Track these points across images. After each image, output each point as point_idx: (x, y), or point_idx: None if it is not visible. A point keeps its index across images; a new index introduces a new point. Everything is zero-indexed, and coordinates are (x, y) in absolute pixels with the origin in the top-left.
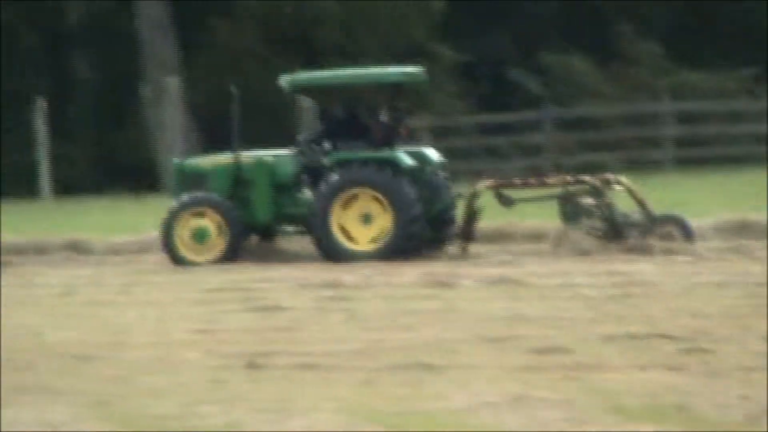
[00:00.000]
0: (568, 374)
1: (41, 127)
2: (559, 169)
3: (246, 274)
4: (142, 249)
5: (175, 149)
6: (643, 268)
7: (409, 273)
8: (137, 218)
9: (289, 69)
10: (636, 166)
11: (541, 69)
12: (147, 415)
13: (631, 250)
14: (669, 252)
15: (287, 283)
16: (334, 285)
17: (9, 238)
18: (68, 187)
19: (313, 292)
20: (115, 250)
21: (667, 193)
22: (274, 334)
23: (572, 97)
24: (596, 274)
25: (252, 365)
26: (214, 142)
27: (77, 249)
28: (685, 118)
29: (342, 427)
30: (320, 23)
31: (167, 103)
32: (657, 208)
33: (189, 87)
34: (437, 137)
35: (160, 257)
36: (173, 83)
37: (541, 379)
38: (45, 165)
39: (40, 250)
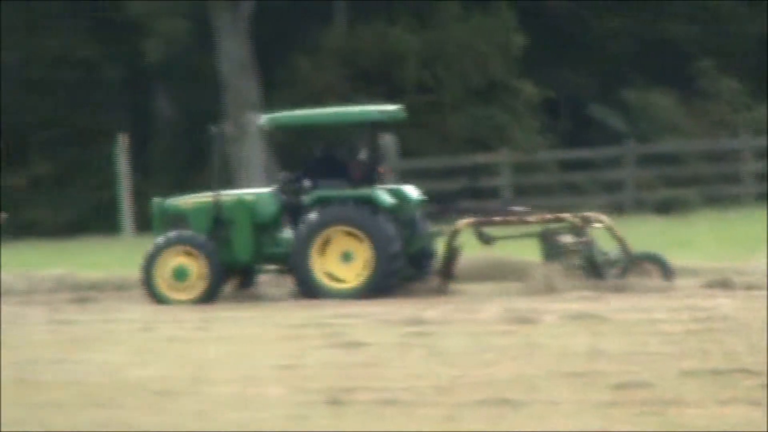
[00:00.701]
0: (648, 409)
1: (123, 164)
2: (639, 205)
3: (328, 310)
4: None
5: (256, 184)
6: (723, 303)
7: (490, 309)
8: None
9: (370, 104)
10: (717, 201)
11: (622, 105)
12: None
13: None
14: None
15: (369, 319)
16: (415, 321)
17: (90, 273)
18: (149, 223)
19: (395, 328)
20: None
21: (748, 227)
22: (356, 370)
23: (653, 133)
24: (677, 310)
25: (334, 401)
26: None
27: None
28: (765, 154)
29: None
30: (400, 59)
31: (248, 140)
32: (739, 243)
33: None
34: (518, 173)
35: (233, 294)
36: (254, 120)
37: (622, 414)
38: (126, 201)
39: (120, 286)
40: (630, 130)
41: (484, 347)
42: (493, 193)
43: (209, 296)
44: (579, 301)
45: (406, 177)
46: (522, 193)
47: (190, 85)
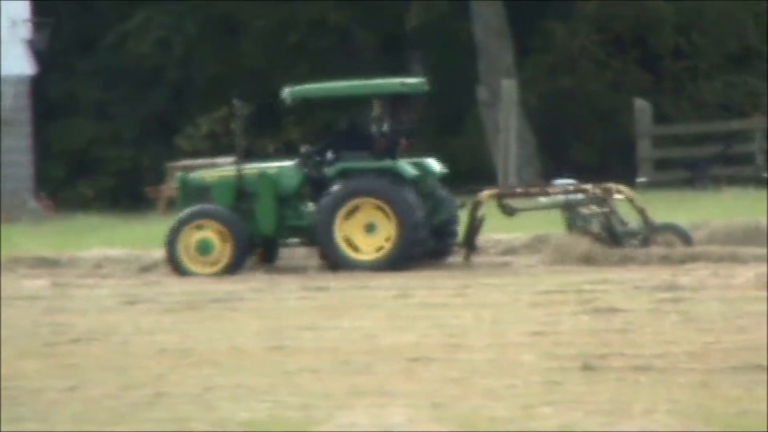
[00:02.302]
0: None
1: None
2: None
3: (581, 276)
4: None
5: (511, 152)
6: None
7: (745, 274)
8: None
9: (625, 71)
10: None
11: None
12: (483, 416)
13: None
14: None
15: (623, 285)
16: (669, 287)
17: None
18: None
19: (648, 294)
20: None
21: None
22: (609, 336)
23: None
24: None
25: (587, 367)
26: (547, 144)
27: None
28: None
29: (677, 428)
30: (655, 25)
31: (503, 106)
32: None
33: (524, 89)
34: None
35: (490, 258)
36: (509, 86)
37: None
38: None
39: None
40: None
41: (738, 313)
42: (746, 159)
43: (233, 269)
44: None
45: (660, 143)
46: None
47: (444, 52)
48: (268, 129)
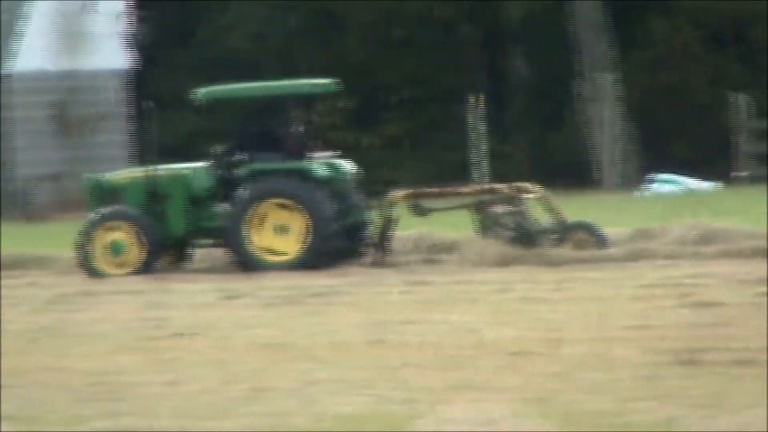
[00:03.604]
0: None
1: (478, 124)
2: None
3: (681, 270)
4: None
5: (612, 146)
6: None
7: None
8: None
9: (723, 66)
10: None
11: None
12: (584, 411)
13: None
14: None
15: (723, 279)
16: None
17: (446, 234)
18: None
19: (748, 287)
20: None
21: None
22: (709, 330)
23: None
24: None
25: (688, 361)
26: (647, 139)
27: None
28: None
29: None
30: (752, 20)
31: (603, 101)
32: None
33: (624, 85)
34: None
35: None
36: (609, 80)
37: None
38: (482, 162)
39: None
40: None
41: None
42: None
43: (144, 270)
44: None
45: (758, 137)
46: None
47: (545, 47)
48: (369, 124)
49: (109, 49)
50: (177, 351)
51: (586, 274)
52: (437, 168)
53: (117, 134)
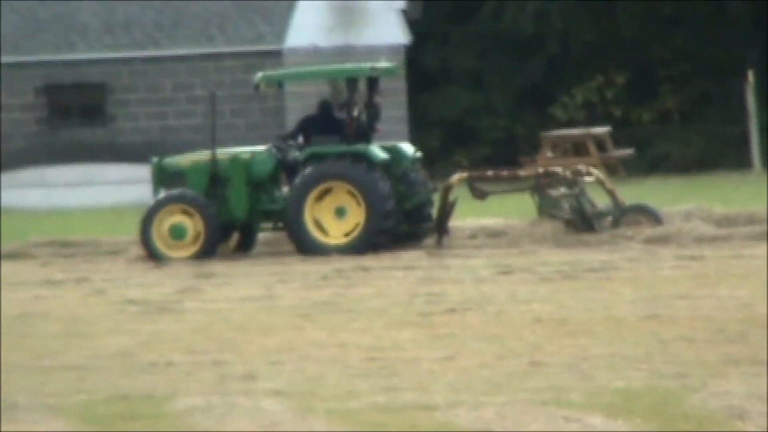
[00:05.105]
0: None
1: (751, 99)
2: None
3: None
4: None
5: None
6: None
7: None
8: None
9: None
10: None
11: None
12: None
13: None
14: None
15: None
16: None
17: (720, 209)
18: None
19: None
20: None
21: None
22: None
23: None
24: None
25: None
26: None
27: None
28: None
29: None
30: None
31: None
32: None
33: None
34: None
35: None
36: None
37: None
38: (755, 137)
39: (750, 221)
40: None
41: None
42: None
43: (205, 254)
44: None
45: None
46: None
47: None
48: (644, 98)
49: (387, 25)
50: (453, 326)
51: None
52: (707, 142)
53: (395, 110)
